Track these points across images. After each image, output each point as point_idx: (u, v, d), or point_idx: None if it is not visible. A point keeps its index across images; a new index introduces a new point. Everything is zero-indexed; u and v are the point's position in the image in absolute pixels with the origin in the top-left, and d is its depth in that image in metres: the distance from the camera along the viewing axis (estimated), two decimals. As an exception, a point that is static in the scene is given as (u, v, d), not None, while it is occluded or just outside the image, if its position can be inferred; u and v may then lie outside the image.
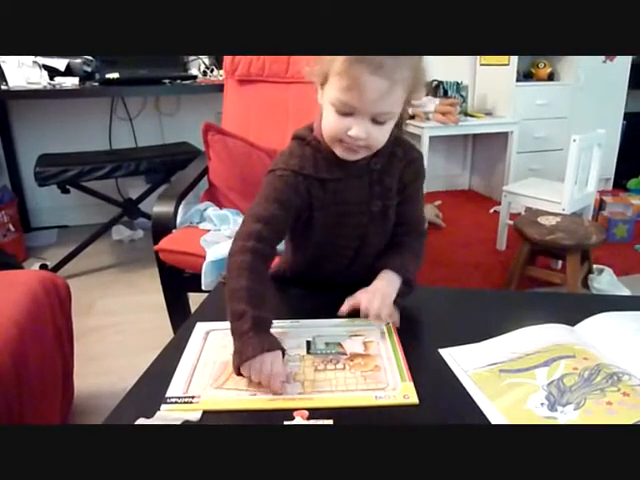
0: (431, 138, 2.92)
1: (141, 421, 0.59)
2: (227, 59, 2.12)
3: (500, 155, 3.26)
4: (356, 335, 0.77)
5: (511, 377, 0.67)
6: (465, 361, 0.71)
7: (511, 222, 2.37)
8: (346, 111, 0.73)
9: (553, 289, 2.08)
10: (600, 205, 2.89)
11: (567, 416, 0.59)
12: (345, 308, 0.79)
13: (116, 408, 0.62)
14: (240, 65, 2.07)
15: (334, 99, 0.73)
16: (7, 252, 2.24)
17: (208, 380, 0.67)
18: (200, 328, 0.80)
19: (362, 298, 0.78)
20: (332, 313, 0.81)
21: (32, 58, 2.41)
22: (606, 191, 3.30)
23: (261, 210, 0.79)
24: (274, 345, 0.67)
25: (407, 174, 0.86)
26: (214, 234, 1.54)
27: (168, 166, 2.40)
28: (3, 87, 2.35)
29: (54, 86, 2.39)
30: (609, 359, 0.69)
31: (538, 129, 3.25)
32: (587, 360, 0.68)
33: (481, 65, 3.40)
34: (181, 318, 1.57)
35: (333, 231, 0.85)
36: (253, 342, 0.66)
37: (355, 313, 0.79)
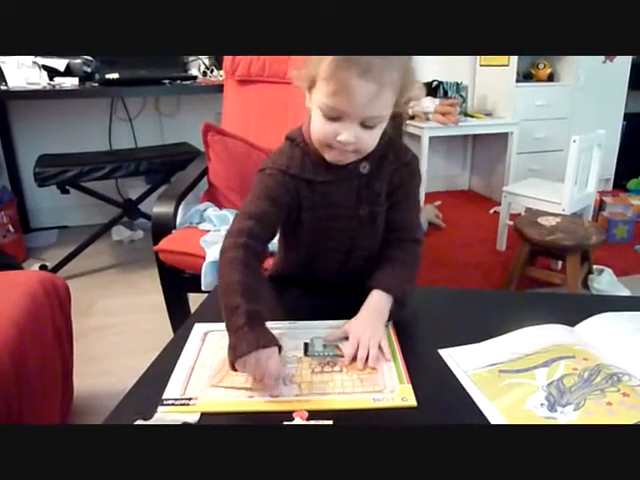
0: (431, 138, 2.93)
1: (139, 423, 0.58)
2: (227, 59, 2.12)
3: (500, 155, 3.26)
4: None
5: (511, 377, 0.67)
6: (465, 361, 0.71)
7: (511, 222, 2.37)
8: (334, 116, 0.72)
9: (553, 289, 2.08)
10: (600, 206, 2.89)
11: (567, 416, 0.59)
12: (332, 338, 0.76)
13: (115, 409, 0.62)
14: (240, 65, 2.07)
15: (322, 104, 0.72)
16: (7, 253, 2.24)
17: (206, 381, 0.67)
18: (198, 329, 0.80)
19: (350, 339, 0.74)
20: (328, 314, 0.81)
21: (32, 58, 2.41)
22: (606, 192, 3.30)
23: (252, 207, 0.79)
24: (270, 341, 0.66)
25: (397, 177, 0.84)
26: (214, 234, 1.53)
27: (168, 166, 2.40)
28: (3, 87, 2.35)
29: (54, 86, 2.39)
30: (609, 359, 0.69)
31: (538, 130, 3.25)
32: (587, 360, 0.68)
33: (481, 66, 3.40)
34: (181, 319, 1.57)
35: (322, 233, 0.84)
36: (248, 338, 0.65)
37: (352, 314, 0.78)
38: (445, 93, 3.19)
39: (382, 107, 0.72)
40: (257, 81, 2.08)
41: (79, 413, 1.46)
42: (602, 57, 3.22)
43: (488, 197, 3.51)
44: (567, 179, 2.25)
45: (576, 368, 0.67)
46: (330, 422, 0.59)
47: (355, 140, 0.73)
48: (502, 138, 3.16)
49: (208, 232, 1.57)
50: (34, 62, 2.40)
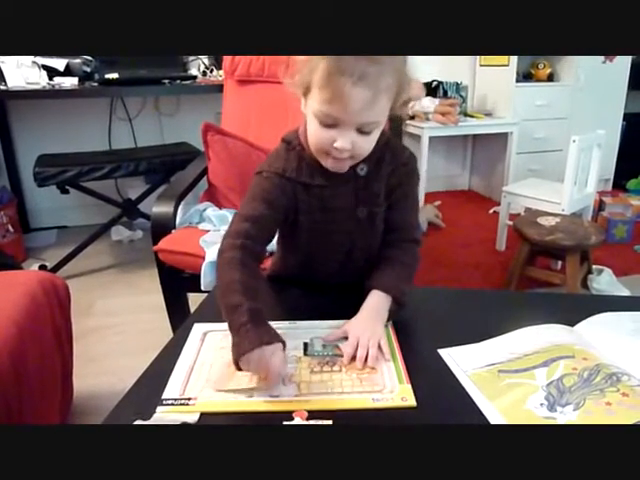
0: (431, 138, 2.93)
1: (138, 423, 0.58)
2: (227, 59, 2.12)
3: (500, 155, 3.26)
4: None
5: (510, 377, 0.67)
6: (464, 361, 0.71)
7: (511, 222, 2.37)
8: (330, 123, 0.71)
9: (553, 289, 2.08)
10: (600, 206, 2.89)
11: (566, 416, 0.59)
12: (332, 338, 0.76)
13: (115, 409, 0.62)
14: (240, 65, 2.07)
15: (317, 111, 0.72)
16: (6, 253, 2.24)
17: (205, 382, 0.67)
18: (197, 329, 0.80)
19: (350, 339, 0.73)
20: (328, 314, 0.81)
21: (31, 58, 2.40)
22: (606, 192, 3.31)
23: (249, 210, 0.79)
24: (274, 338, 0.66)
25: (394, 178, 0.84)
26: (213, 234, 1.53)
27: (167, 166, 2.40)
28: (2, 87, 2.35)
29: (53, 86, 2.39)
30: (608, 359, 0.69)
31: (538, 130, 3.25)
32: (586, 360, 0.68)
33: (481, 66, 3.40)
34: (181, 318, 1.57)
35: (320, 235, 0.85)
36: (250, 335, 0.65)
37: (352, 314, 0.78)
38: (445, 93, 3.19)
39: (378, 113, 0.72)
40: (257, 81, 2.08)
41: (79, 413, 1.45)
42: (602, 57, 3.22)
43: (488, 197, 3.51)
44: (567, 179, 2.25)
45: (576, 368, 0.67)
46: (329, 422, 0.59)
47: (351, 146, 0.72)
48: (502, 138, 3.16)
49: (208, 232, 1.57)
50: (34, 62, 2.40)
